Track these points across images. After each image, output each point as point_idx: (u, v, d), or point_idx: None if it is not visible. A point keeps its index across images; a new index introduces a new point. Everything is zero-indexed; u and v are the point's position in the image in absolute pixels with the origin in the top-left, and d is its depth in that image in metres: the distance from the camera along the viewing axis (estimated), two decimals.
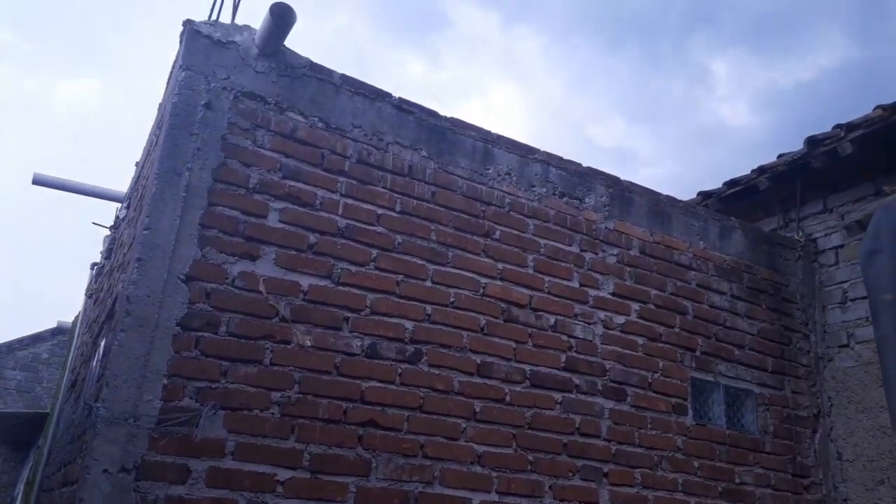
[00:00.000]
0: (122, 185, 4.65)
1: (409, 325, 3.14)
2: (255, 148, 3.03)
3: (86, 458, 2.42)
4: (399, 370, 3.06)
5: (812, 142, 4.41)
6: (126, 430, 2.45)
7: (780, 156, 4.71)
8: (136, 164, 4.22)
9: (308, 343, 2.90)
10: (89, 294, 5.18)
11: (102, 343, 3.08)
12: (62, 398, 4.90)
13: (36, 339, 11.96)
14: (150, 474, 2.46)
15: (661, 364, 3.74)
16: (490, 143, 3.63)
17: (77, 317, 5.86)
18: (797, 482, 3.99)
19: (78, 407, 3.38)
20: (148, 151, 3.58)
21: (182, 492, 2.50)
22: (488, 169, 3.58)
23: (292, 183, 3.06)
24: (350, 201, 3.17)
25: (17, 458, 10.83)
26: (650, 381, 3.68)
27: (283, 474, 2.69)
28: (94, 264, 5.41)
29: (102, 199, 4.92)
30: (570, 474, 3.30)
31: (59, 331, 11.31)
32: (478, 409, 3.18)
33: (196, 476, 2.54)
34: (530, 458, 3.23)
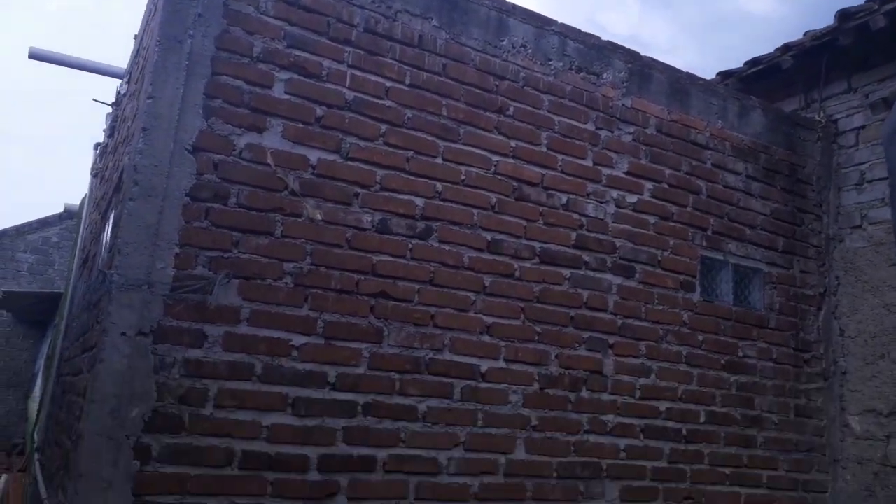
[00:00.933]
0: (122, 63, 4.51)
1: (419, 201, 3.11)
2: (258, 15, 2.89)
3: (103, 321, 2.47)
4: (410, 245, 3.06)
5: (843, 15, 4.21)
6: (140, 295, 2.49)
7: (805, 33, 4.51)
8: (136, 38, 4.07)
9: (319, 217, 2.88)
10: (94, 173, 5.15)
11: (112, 216, 3.07)
12: (75, 276, 4.98)
13: (44, 223, 12.08)
14: (167, 338, 2.52)
15: (671, 242, 3.74)
16: (505, 12, 3.47)
17: (84, 197, 5.87)
18: (798, 356, 4.09)
19: (91, 279, 3.42)
20: (147, 21, 3.43)
21: (199, 355, 2.57)
22: (503, 41, 3.43)
23: (297, 52, 2.95)
24: (357, 73, 3.07)
25: (35, 336, 11.21)
26: (659, 258, 3.69)
27: (298, 340, 2.75)
28: (97, 144, 5.36)
29: (102, 74, 4.79)
30: (576, 345, 3.37)
31: (67, 215, 11.39)
32: (487, 284, 3.21)
33: (212, 340, 2.59)
34: (538, 329, 3.29)
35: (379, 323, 2.94)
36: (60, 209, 11.66)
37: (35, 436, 5.63)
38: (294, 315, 2.77)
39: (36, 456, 4.90)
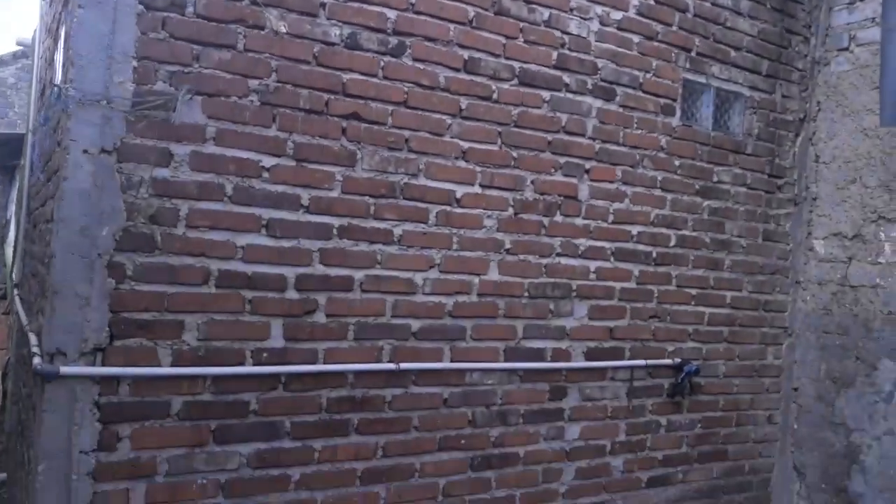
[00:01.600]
0: None
1: (391, 14, 2.92)
2: None
3: (63, 140, 2.37)
4: (382, 63, 2.92)
5: None
6: (100, 112, 2.37)
7: None
8: None
9: (283, 29, 2.71)
10: None
11: (62, 31, 2.87)
12: (34, 110, 4.77)
13: None
14: (132, 157, 2.43)
15: (654, 64, 3.62)
16: None
17: (36, 28, 5.49)
18: (772, 182, 4.13)
19: (48, 99, 3.26)
20: None
21: (167, 174, 2.50)
22: None
23: None
24: None
25: (4, 182, 10.96)
26: (641, 81, 3.58)
27: (268, 161, 2.68)
28: None
29: None
30: (553, 170, 3.35)
31: (21, 53, 10.75)
32: (463, 106, 3.11)
33: (179, 160, 2.52)
34: (514, 154, 3.25)
35: (351, 146, 2.86)
36: (14, 47, 10.97)
37: (13, 275, 5.65)
38: (262, 135, 2.67)
39: (15, 292, 4.93)
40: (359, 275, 2.90)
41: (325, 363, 2.84)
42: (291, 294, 2.76)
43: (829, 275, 4.10)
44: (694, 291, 3.84)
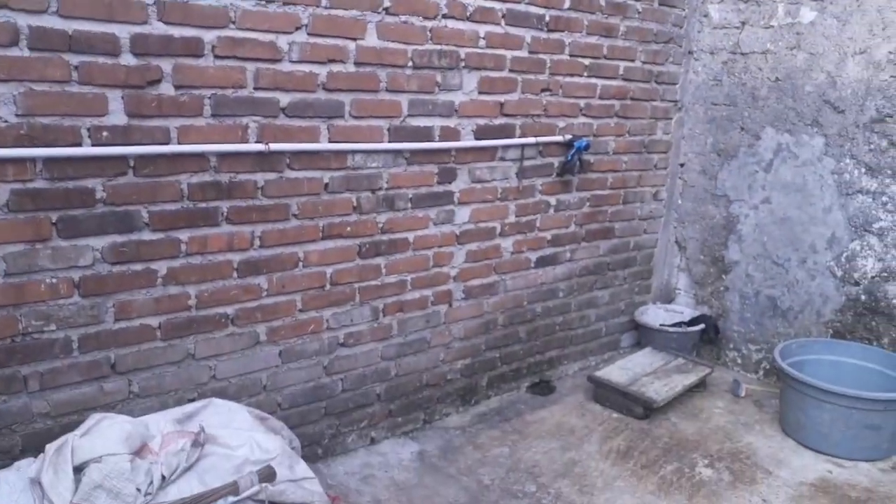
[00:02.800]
0: None
1: None
2: None
3: None
4: None
5: None
6: None
7: None
8: None
9: None
10: None
11: None
12: None
13: None
14: None
15: None
16: None
17: None
18: None
19: None
20: None
21: None
22: None
23: None
24: None
25: None
26: None
27: None
28: None
29: None
30: None
31: None
32: None
33: None
34: None
35: None
36: None
37: None
38: None
39: None
40: (209, 36, 2.44)
41: (179, 143, 2.46)
42: (128, 59, 2.29)
43: (721, 42, 3.98)
44: (587, 62, 3.62)
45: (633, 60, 3.83)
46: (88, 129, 2.27)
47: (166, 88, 2.40)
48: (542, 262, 3.80)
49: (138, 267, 2.47)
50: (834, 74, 3.55)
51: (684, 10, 4.00)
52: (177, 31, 2.37)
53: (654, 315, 4.36)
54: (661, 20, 3.91)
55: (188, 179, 2.52)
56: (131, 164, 2.39)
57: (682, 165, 4.29)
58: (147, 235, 2.47)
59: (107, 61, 2.26)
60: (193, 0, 2.38)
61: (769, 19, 3.75)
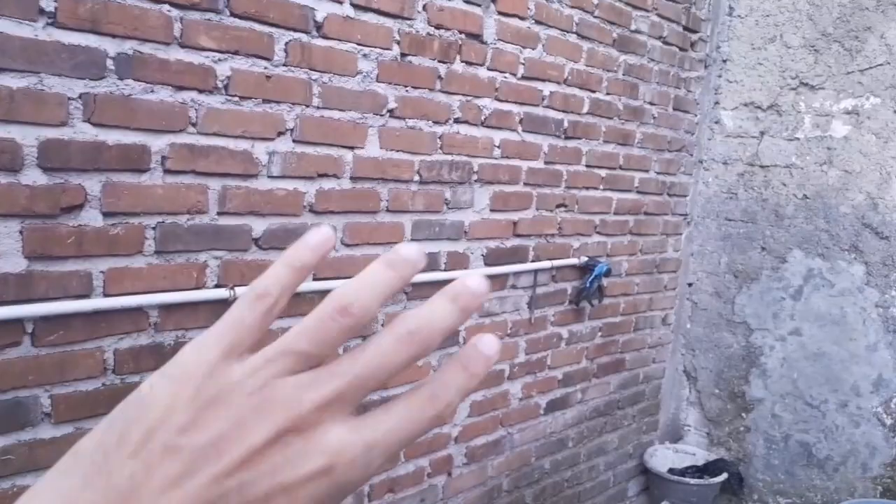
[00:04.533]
0: None
1: None
2: None
3: None
4: None
5: None
6: None
7: None
8: None
9: None
10: None
11: None
12: None
13: None
14: None
15: None
16: None
17: None
18: (686, 37, 3.35)
19: None
20: None
21: None
22: None
23: None
24: None
25: None
26: None
27: None
28: None
29: None
30: None
31: None
32: None
33: None
34: None
35: None
36: None
37: None
38: None
39: None
40: (159, 143, 1.70)
41: (106, 296, 1.67)
42: (33, 176, 1.52)
43: (736, 152, 3.56)
44: (603, 173, 3.09)
45: (647, 171, 3.34)
46: None
47: (90, 217, 1.62)
48: (552, 407, 3.13)
49: (31, 481, 1.61)
50: (875, 196, 3.16)
51: (696, 115, 3.58)
52: (112, 137, 1.62)
53: (663, 457, 3.73)
54: (675, 126, 3.45)
55: (115, 344, 1.72)
56: (29, 329, 1.57)
57: (690, 285, 3.79)
58: (47, 432, 1.64)
59: None
60: (139, 94, 1.64)
61: (793, 131, 3.37)
